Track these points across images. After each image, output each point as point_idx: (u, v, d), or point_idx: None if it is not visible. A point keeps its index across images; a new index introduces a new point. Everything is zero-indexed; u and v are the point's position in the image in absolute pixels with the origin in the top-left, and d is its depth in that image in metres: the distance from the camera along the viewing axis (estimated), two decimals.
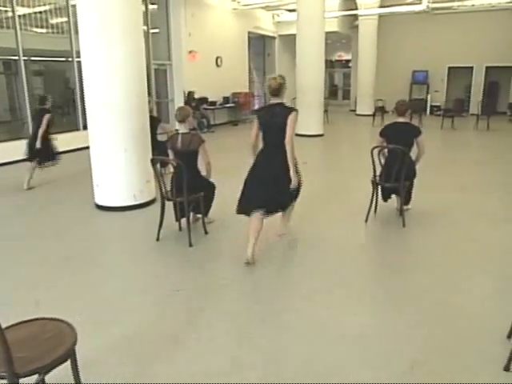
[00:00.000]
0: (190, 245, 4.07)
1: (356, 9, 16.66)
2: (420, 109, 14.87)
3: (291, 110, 3.60)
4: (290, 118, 3.51)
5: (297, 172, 3.67)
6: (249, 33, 15.50)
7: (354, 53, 19.43)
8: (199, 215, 4.49)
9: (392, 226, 4.73)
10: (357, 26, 17.50)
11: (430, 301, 3.13)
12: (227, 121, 14.42)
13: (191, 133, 4.15)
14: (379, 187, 4.84)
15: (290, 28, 15.89)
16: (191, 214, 4.35)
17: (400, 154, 4.43)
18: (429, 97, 17.92)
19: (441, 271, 3.62)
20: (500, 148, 10.04)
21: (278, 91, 3.58)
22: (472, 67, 17.72)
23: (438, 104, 17.75)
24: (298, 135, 10.90)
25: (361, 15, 16.73)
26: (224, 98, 14.05)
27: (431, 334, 2.73)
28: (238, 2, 14.33)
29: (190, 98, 12.21)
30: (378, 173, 4.76)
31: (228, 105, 14.11)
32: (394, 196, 4.99)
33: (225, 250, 4.04)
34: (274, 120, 3.57)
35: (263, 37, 17.17)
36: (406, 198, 4.84)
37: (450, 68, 18.02)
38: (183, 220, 4.31)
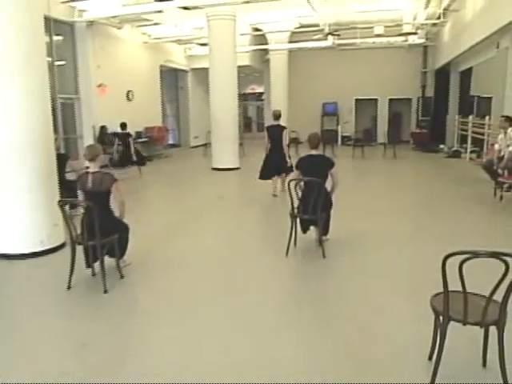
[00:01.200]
0: (105, 291, 3.90)
1: (266, 43, 17.50)
2: (332, 140, 15.75)
3: (283, 127, 7.84)
4: (284, 132, 7.76)
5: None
6: (161, 66, 15.58)
7: (266, 86, 20.21)
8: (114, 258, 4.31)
9: (313, 257, 4.88)
10: (268, 60, 18.32)
11: (351, 328, 3.26)
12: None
13: (102, 171, 4.04)
14: (297, 219, 5.00)
15: (202, 62, 16.18)
16: (105, 257, 4.16)
17: (316, 186, 4.64)
18: (339, 128, 19.06)
19: (361, 298, 3.79)
20: (407, 174, 10.92)
21: (278, 117, 7.69)
22: (376, 99, 19.29)
23: (348, 134, 18.93)
24: (214, 169, 11.05)
25: (271, 50, 17.59)
26: (136, 132, 13.85)
27: (354, 360, 2.84)
28: (149, 36, 14.41)
29: (102, 133, 11.91)
30: (295, 205, 4.93)
31: (141, 139, 13.92)
32: (312, 227, 5.17)
33: (141, 296, 3.91)
34: (276, 132, 7.72)
35: (176, 70, 17.35)
36: (324, 229, 5.03)
37: (356, 100, 19.43)
38: (96, 265, 4.12)
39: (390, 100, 19.13)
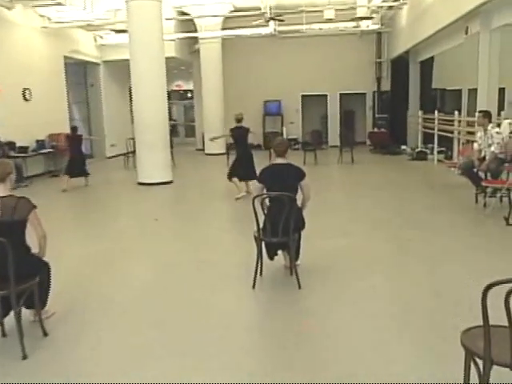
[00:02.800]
0: (24, 356, 3.47)
1: (195, 31, 17.36)
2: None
3: (248, 129, 9.62)
4: (249, 134, 9.67)
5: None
6: (65, 58, 14.96)
7: (196, 81, 20.08)
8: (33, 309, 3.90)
9: (285, 288, 4.75)
10: (197, 51, 18.20)
11: (335, 377, 3.14)
12: (44, 171, 13.47)
13: (15, 196, 3.64)
14: (263, 243, 4.86)
15: (119, 52, 15.80)
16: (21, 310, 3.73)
17: (286, 202, 4.51)
18: (284, 129, 19.13)
19: (347, 337, 3.69)
20: (371, 181, 11.12)
21: (240, 120, 9.25)
22: (326, 95, 19.71)
23: (294, 137, 19.22)
24: (141, 184, 10.95)
25: (201, 38, 17.48)
26: (38, 141, 13.18)
27: None
28: (49, 19, 13.78)
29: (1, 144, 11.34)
30: (261, 226, 4.78)
31: (44, 150, 13.24)
32: (280, 252, 5.07)
33: (73, 359, 3.51)
34: (240, 134, 9.54)
35: (84, 63, 16.81)
36: (295, 253, 4.93)
37: (303, 97, 19.76)
38: (8, 320, 3.69)
39: (342, 96, 19.61)
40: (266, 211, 4.80)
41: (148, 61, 10.94)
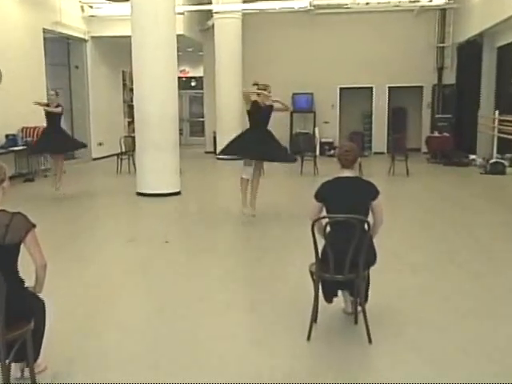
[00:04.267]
0: None
1: (210, 2, 17.32)
2: (306, 148, 15.60)
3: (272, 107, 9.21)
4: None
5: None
6: (44, 32, 14.95)
7: (207, 67, 20.20)
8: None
9: (350, 341, 4.58)
10: (211, 28, 18.18)
11: None
12: (15, 174, 13.37)
13: (7, 211, 3.43)
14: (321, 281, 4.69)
15: (113, 27, 15.82)
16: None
17: (357, 228, 4.33)
18: (316, 130, 19.27)
19: None
20: (437, 202, 10.92)
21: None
22: (371, 88, 19.70)
23: (329, 140, 19.16)
24: (141, 195, 11.47)
25: (217, 12, 17.45)
26: (8, 136, 13.17)
27: None
28: None
29: None
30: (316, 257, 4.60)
31: (16, 148, 13.18)
32: (340, 293, 4.94)
33: None
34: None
35: (67, 38, 16.89)
36: (364, 295, 4.74)
37: (342, 89, 19.79)
38: None
39: (391, 89, 19.58)
40: (327, 238, 4.61)
41: (156, 38, 10.85)
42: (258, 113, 8.99)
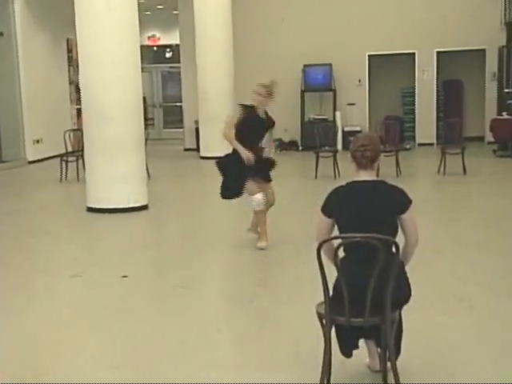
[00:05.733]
0: None
1: None
2: (325, 139, 15.59)
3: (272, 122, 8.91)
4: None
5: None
6: None
7: (184, 31, 20.38)
8: None
9: None
10: None
11: None
12: None
13: None
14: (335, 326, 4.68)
15: None
16: None
17: (381, 252, 4.31)
18: (337, 115, 19.46)
19: None
20: (501, 213, 10.84)
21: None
22: (412, 55, 19.79)
23: (355, 129, 19.08)
24: (93, 211, 11.61)
25: None
26: None
27: None
28: None
29: None
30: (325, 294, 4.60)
31: None
32: (362, 343, 4.94)
33: None
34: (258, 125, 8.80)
35: None
36: (395, 345, 4.72)
37: (372, 58, 19.90)
38: None
39: (441, 55, 19.66)
40: (340, 267, 4.60)
41: None
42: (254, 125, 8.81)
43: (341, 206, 4.76)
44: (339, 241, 4.58)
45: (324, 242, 4.58)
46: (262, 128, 8.79)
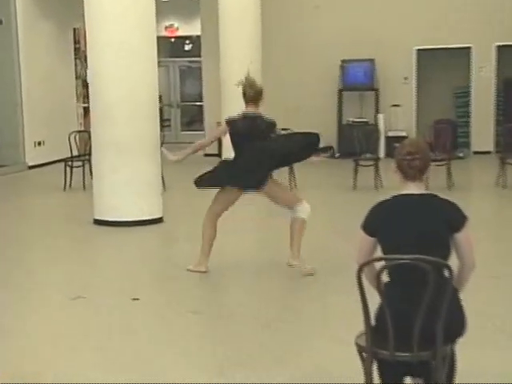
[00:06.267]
0: None
1: None
2: (366, 145, 15.49)
3: (272, 124, 8.75)
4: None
5: None
6: None
7: (206, 22, 20.50)
8: None
9: None
10: None
11: None
12: None
13: None
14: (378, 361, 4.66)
15: None
16: None
17: (432, 277, 4.28)
18: (380, 118, 19.45)
19: None
20: None
21: (255, 96, 8.55)
22: (468, 49, 19.76)
23: (400, 134, 19.14)
24: (100, 223, 11.59)
25: None
26: None
27: None
28: None
29: None
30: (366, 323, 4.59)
31: None
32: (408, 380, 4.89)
33: None
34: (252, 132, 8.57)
35: None
36: (448, 380, 4.73)
37: (420, 52, 19.89)
38: None
39: (502, 50, 19.57)
40: (383, 293, 4.57)
41: None
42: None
43: (385, 223, 4.74)
44: (382, 263, 4.56)
45: (365, 264, 4.55)
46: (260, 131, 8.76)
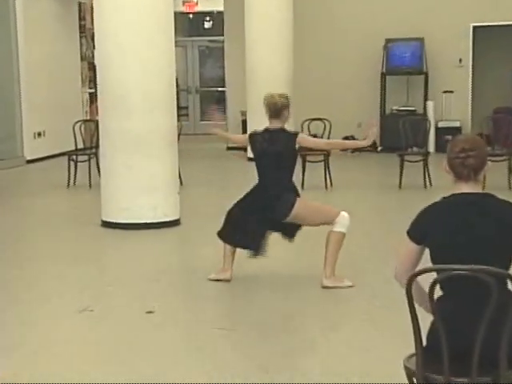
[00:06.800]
0: None
1: None
2: (415, 137, 15.41)
3: (294, 135, 9.03)
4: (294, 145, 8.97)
5: None
6: None
7: None
8: None
9: None
10: None
11: None
12: None
13: None
14: None
15: None
16: None
17: (494, 290, 4.24)
18: (430, 106, 19.49)
19: None
20: None
21: (278, 111, 8.78)
22: None
23: (454, 125, 19.18)
24: (109, 225, 11.83)
25: None
26: None
27: None
28: None
29: None
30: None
31: None
32: None
33: None
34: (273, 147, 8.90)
35: None
36: None
37: (477, 30, 19.87)
38: None
39: None
40: (436, 309, 4.54)
41: None
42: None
43: (436, 228, 4.71)
44: (433, 275, 4.49)
45: (416, 276, 4.53)
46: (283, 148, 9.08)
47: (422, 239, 4.71)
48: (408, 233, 4.77)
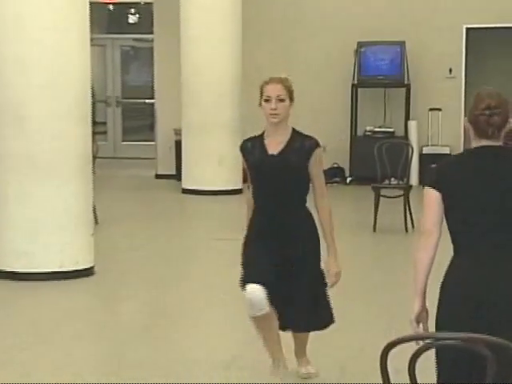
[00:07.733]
0: None
1: None
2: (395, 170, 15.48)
3: (316, 144, 7.85)
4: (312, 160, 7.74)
5: None
6: None
7: None
8: None
9: None
10: None
11: None
12: None
13: None
14: None
15: None
16: None
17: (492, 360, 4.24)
18: (413, 127, 19.61)
19: None
20: None
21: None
22: None
23: (442, 151, 19.40)
24: (3, 276, 11.62)
25: None
26: None
27: None
28: None
29: None
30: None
31: None
32: None
33: None
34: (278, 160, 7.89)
35: None
36: None
37: (471, 32, 20.13)
38: None
39: None
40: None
41: None
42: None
43: (457, 180, 5.01)
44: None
45: (392, 345, 4.42)
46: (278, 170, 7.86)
47: (443, 188, 5.01)
48: (429, 183, 5.11)
